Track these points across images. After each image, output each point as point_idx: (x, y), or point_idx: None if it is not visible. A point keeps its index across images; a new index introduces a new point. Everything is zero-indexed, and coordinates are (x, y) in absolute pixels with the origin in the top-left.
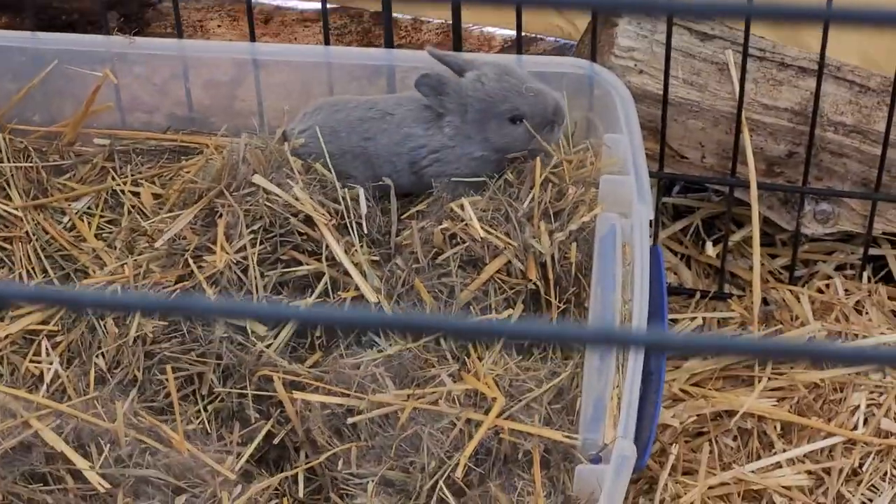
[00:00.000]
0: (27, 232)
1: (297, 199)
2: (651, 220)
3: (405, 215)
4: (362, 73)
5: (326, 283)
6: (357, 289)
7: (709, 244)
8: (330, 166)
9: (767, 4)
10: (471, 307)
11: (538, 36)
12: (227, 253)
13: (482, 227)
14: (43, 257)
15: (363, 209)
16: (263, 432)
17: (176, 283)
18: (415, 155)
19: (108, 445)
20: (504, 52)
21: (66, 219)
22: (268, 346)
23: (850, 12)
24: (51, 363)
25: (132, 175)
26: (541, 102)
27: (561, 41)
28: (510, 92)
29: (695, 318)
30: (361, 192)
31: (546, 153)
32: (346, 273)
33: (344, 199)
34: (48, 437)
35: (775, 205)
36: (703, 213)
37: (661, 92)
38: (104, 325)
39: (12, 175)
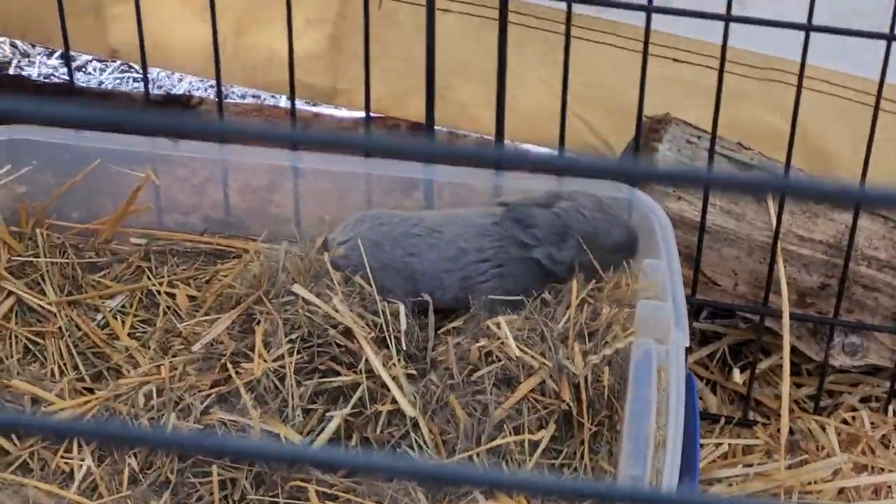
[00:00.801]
0: (60, 328)
1: (336, 310)
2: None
3: (441, 330)
4: (398, 185)
5: (364, 394)
6: (394, 401)
7: (735, 371)
8: (371, 279)
9: (801, 180)
10: (504, 425)
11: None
12: (265, 360)
13: (518, 346)
14: (75, 353)
15: (403, 325)
16: None
17: (211, 387)
18: (471, 270)
19: None
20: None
21: (99, 316)
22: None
23: None
24: (82, 460)
25: (168, 276)
26: (633, 236)
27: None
28: (612, 225)
29: (720, 444)
30: (402, 308)
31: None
32: (384, 385)
33: (384, 312)
34: None
35: (804, 335)
36: (731, 339)
37: (698, 219)
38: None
39: (47, 270)
